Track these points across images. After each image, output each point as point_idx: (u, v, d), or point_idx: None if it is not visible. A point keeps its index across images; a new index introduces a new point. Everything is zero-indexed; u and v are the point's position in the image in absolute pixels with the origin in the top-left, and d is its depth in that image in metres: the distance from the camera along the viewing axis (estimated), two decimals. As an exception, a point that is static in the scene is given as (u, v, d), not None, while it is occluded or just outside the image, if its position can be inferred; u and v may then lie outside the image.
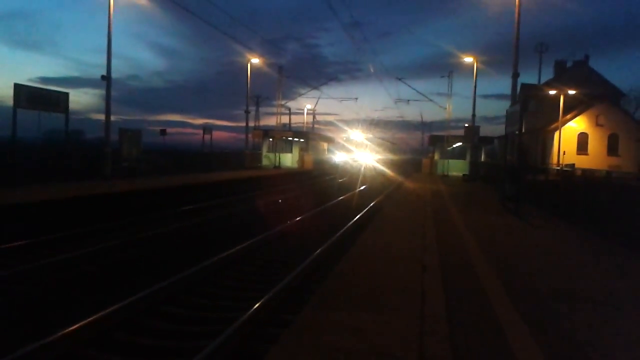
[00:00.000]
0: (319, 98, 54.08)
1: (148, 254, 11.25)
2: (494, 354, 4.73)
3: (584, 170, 17.23)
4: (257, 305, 7.02)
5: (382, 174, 46.64)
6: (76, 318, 6.32)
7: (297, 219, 16.21)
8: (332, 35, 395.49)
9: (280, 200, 22.92)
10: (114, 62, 23.05)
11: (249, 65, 42.21)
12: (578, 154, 49.08)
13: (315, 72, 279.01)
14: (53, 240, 12.06)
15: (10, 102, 19.49)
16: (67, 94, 22.00)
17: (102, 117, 23.75)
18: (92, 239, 12.51)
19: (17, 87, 19.43)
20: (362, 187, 31.37)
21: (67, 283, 8.85)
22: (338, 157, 57.19)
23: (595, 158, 48.00)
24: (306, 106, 62.94)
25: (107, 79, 22.90)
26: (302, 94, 56.96)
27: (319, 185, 34.69)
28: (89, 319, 6.29)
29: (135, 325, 6.76)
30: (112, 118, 23.77)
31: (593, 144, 50.40)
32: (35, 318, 7.16)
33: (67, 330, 5.94)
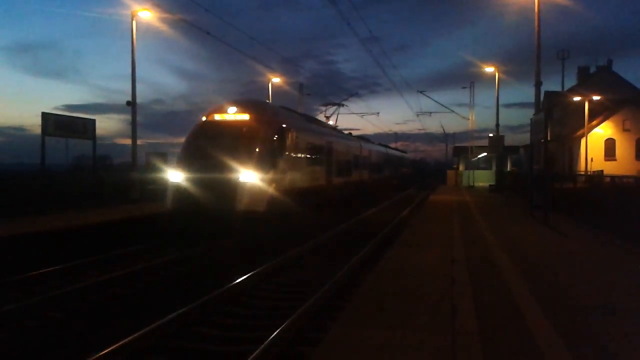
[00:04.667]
0: (335, 111, 45.45)
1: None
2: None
3: (612, 177, 16.90)
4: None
5: None
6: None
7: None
8: (348, 51, 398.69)
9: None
10: (137, 87, 23.53)
11: (269, 84, 42.49)
12: (606, 160, 48.26)
13: (335, 89, 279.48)
14: (81, 265, 12.17)
15: (37, 130, 19.96)
16: (93, 121, 22.41)
17: (127, 141, 24.21)
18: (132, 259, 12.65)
19: (45, 116, 19.85)
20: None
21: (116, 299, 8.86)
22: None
23: (624, 163, 47.11)
24: (328, 123, 62.93)
25: (132, 104, 23.32)
26: (323, 111, 57.09)
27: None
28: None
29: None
30: (138, 142, 24.19)
31: (621, 150, 49.53)
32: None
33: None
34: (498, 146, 38.25)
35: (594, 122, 49.56)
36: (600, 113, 50.40)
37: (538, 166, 19.03)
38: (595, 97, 46.84)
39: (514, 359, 4.83)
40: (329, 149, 23.47)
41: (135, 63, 23.19)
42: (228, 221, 14.30)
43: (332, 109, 37.70)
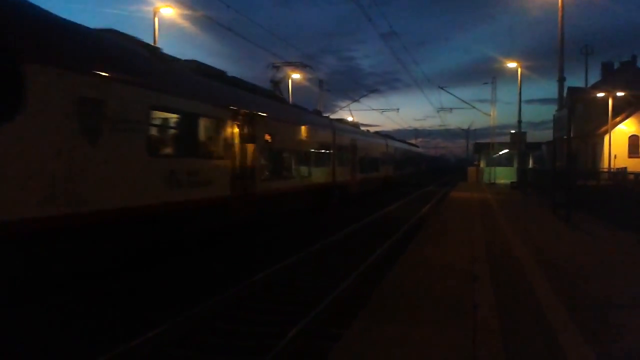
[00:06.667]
0: (285, 74, 34.32)
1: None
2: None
3: (636, 174, 16.72)
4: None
5: None
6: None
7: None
8: (368, 47, 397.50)
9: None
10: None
11: (289, 80, 42.42)
12: (630, 157, 47.47)
13: (354, 85, 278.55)
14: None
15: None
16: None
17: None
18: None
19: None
20: None
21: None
22: None
23: (648, 161, 46.33)
24: (348, 119, 62.95)
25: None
26: (343, 107, 57.05)
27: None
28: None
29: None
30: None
31: (645, 147, 48.71)
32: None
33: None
34: (520, 143, 37.93)
35: (618, 119, 48.78)
36: (624, 109, 49.59)
37: (560, 163, 18.83)
38: (619, 93, 46.09)
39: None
40: (250, 131, 13.84)
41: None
42: None
43: (280, 71, 26.18)
